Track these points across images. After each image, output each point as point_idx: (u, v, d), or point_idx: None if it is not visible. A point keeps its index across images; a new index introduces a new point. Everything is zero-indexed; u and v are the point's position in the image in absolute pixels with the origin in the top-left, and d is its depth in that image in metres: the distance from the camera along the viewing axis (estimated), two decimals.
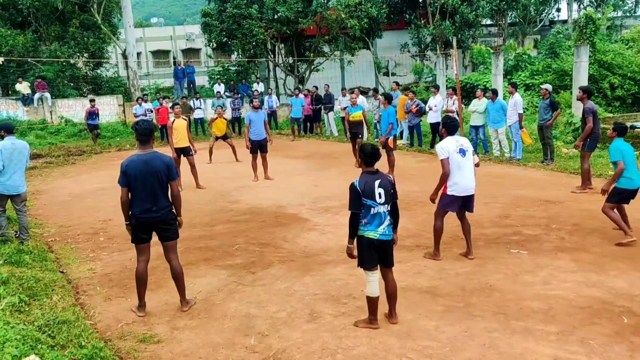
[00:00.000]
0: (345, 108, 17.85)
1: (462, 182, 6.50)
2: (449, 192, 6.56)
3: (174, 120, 11.37)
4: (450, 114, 7.01)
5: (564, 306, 5.26)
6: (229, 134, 15.98)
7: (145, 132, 5.31)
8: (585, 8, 32.76)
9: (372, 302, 4.94)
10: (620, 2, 33.94)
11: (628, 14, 34.11)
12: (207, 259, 7.12)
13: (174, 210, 5.44)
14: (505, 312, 5.20)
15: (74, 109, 21.57)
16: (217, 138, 14.88)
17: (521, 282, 5.88)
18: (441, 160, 6.50)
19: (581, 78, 15.08)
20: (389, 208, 4.86)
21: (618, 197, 7.09)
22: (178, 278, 5.53)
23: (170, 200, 5.39)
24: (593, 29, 17.79)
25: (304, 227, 8.38)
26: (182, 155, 11.34)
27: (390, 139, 11.43)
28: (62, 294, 5.88)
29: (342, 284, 6.06)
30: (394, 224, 5.00)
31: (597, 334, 4.71)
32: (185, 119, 11.62)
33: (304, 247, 7.44)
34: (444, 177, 6.48)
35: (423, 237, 7.38)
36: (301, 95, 19.23)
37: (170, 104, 17.86)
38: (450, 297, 5.59)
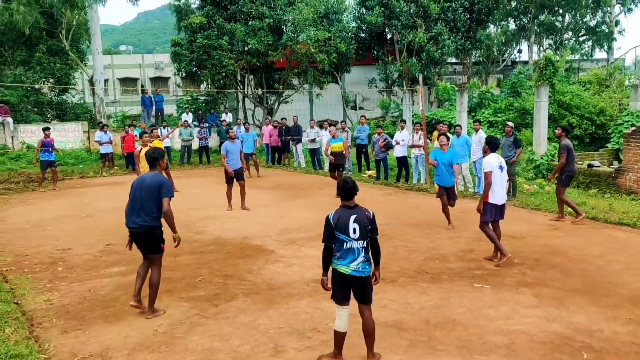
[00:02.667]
0: (314, 139, 18.14)
1: (498, 193, 7.70)
2: (490, 200, 7.67)
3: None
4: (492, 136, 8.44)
5: (526, 341, 5.33)
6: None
7: (148, 159, 6.36)
8: (545, 50, 34.19)
9: (338, 337, 4.90)
10: (578, 47, 35.55)
11: (585, 58, 35.68)
12: (169, 290, 6.97)
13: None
14: (468, 346, 5.23)
15: (36, 134, 21.11)
16: None
17: (484, 317, 5.94)
18: (485, 172, 7.67)
19: (541, 117, 15.60)
20: (364, 244, 4.79)
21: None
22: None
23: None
24: (552, 70, 18.56)
25: (269, 259, 8.31)
26: None
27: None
28: (15, 326, 5.66)
29: (307, 317, 6.01)
30: (375, 260, 4.94)
31: None
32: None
33: (269, 279, 7.36)
34: (488, 188, 7.61)
35: (387, 270, 7.38)
36: (253, 130, 19.43)
37: (135, 132, 17.68)
38: (414, 331, 5.59)
